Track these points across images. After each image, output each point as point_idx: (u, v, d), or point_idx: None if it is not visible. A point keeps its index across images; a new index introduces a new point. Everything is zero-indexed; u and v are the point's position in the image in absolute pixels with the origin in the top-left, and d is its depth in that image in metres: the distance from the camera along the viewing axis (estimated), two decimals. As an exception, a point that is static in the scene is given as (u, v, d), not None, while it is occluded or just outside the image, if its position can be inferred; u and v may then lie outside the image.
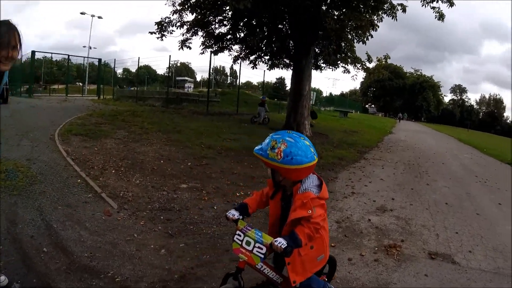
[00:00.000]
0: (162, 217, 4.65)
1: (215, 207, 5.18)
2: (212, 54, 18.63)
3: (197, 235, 4.30)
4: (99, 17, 46.61)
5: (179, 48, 16.46)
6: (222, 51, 18.10)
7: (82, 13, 41.44)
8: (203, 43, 17.25)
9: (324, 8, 14.65)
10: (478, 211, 6.78)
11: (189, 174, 6.75)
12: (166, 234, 4.21)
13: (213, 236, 4.32)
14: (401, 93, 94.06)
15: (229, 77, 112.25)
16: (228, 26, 16.88)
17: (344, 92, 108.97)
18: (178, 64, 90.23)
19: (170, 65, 22.24)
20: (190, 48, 16.56)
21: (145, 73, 76.71)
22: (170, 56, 25.74)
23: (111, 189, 5.42)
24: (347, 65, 18.61)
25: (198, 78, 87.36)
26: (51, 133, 8.83)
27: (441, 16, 13.06)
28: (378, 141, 18.41)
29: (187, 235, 4.26)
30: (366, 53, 17.51)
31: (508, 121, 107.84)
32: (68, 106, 16.96)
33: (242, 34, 17.09)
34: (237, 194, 5.96)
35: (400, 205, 6.75)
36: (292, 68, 17.17)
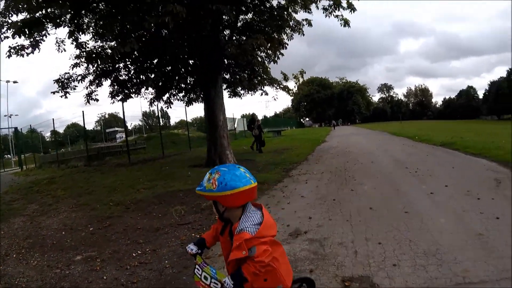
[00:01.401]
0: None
1: (105, 277, 4.60)
2: (121, 102, 17.58)
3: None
4: (14, 82, 45.38)
5: (85, 103, 15.64)
6: (130, 97, 17.12)
7: None
8: (110, 93, 16.30)
9: (226, 35, 14.67)
10: (407, 208, 6.13)
11: (88, 242, 6.17)
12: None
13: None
14: (331, 102, 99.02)
15: (161, 119, 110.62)
16: (130, 71, 16.26)
17: (278, 112, 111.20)
18: (107, 116, 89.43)
19: (99, 118, 21.14)
20: (97, 100, 15.81)
21: (74, 131, 74.22)
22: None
23: (8, 278, 4.92)
24: (264, 87, 18.61)
25: (130, 126, 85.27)
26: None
27: (346, 23, 13.36)
28: (309, 154, 17.93)
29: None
30: (281, 72, 17.58)
31: (437, 105, 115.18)
32: None
33: (143, 77, 16.34)
34: (133, 254, 5.31)
35: (317, 223, 5.96)
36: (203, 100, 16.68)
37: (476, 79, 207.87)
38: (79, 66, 14.20)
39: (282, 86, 18.09)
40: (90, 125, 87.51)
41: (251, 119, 22.26)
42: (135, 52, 13.56)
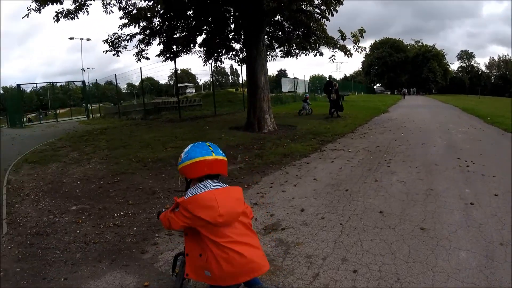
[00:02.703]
0: (28, 242, 4.57)
1: (78, 231, 4.86)
2: (170, 60, 17.57)
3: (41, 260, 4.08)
4: (88, 39, 48.53)
5: (137, 61, 16.09)
6: (179, 55, 17.49)
7: (70, 38, 45.10)
8: (160, 51, 16.51)
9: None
10: (427, 222, 4.81)
11: (91, 194, 6.53)
12: (17, 258, 4.11)
13: (49, 262, 4.03)
14: (404, 67, 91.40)
15: (230, 77, 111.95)
16: (179, 29, 16.29)
17: (348, 75, 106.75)
18: (179, 72, 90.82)
19: (171, 73, 21.99)
20: (148, 59, 16.24)
21: (148, 84, 76.86)
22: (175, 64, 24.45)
23: (16, 215, 5.57)
24: (319, 47, 17.30)
25: (200, 82, 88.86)
26: (8, 164, 9.19)
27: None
28: (360, 125, 16.54)
29: (34, 260, 4.07)
30: (338, 30, 15.58)
31: None
32: (48, 132, 17.60)
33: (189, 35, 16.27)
34: (116, 214, 5.46)
35: (304, 220, 5.03)
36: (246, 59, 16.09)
37: None
38: (127, 27, 14.09)
39: (339, 45, 16.35)
40: (163, 80, 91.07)
41: (328, 81, 21.29)
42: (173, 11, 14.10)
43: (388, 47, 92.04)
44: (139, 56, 15.88)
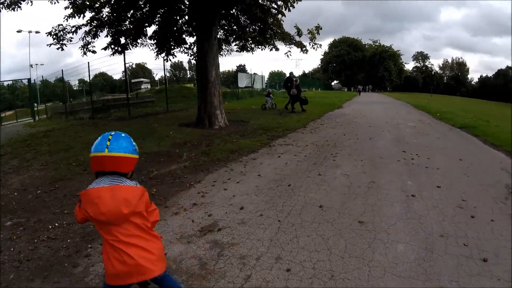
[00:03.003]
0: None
1: (12, 249, 4.28)
2: (118, 54, 16.53)
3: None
4: (37, 32, 45.39)
5: (82, 55, 15.13)
6: (127, 48, 16.49)
7: (18, 31, 42.42)
8: (108, 44, 15.57)
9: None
10: (366, 215, 4.74)
11: (27, 206, 5.83)
12: None
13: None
14: (361, 66, 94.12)
15: (188, 72, 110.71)
16: (128, 20, 15.52)
17: (307, 72, 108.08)
18: (134, 66, 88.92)
19: (126, 68, 20.20)
20: (94, 52, 15.22)
21: (101, 80, 74.65)
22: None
23: None
24: (275, 42, 17.17)
25: (156, 77, 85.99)
26: None
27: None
28: (312, 120, 16.50)
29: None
30: (295, 26, 15.54)
31: (472, 82, 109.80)
32: None
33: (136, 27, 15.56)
34: (50, 226, 4.88)
35: (242, 218, 4.81)
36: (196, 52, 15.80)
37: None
38: (73, 18, 13.15)
39: (295, 41, 16.28)
40: (117, 75, 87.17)
41: (287, 78, 21.75)
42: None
43: (346, 46, 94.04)
44: (85, 49, 14.99)
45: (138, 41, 16.34)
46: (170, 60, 18.73)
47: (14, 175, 7.94)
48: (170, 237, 4.32)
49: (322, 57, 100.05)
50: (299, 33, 15.50)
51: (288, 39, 16.16)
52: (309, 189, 5.89)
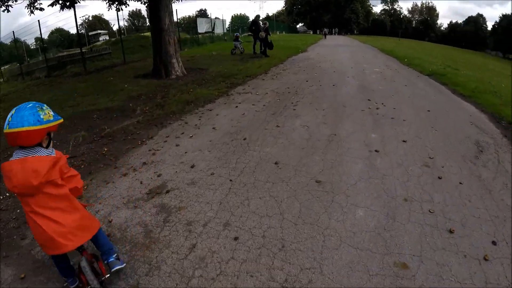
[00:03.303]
0: None
1: None
2: (67, 8, 15.07)
3: None
4: None
5: (29, 13, 13.82)
6: (75, 2, 15.11)
7: None
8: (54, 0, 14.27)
9: None
10: (325, 174, 4.44)
11: None
12: None
13: None
14: (327, 7, 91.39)
15: (147, 20, 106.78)
16: None
17: (271, 15, 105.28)
18: (90, 18, 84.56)
19: (82, 21, 18.73)
20: (42, 9, 13.97)
21: (58, 36, 70.62)
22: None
23: None
24: None
25: (115, 28, 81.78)
26: None
27: None
28: (275, 65, 15.87)
29: None
30: None
31: (442, 28, 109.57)
32: None
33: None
34: (1, 197, 4.45)
35: (193, 178, 4.49)
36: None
37: (488, 9, 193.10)
38: None
39: None
40: (74, 30, 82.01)
41: (253, 21, 20.71)
42: None
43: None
44: (31, 8, 13.72)
45: None
46: (121, 9, 17.44)
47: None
48: (117, 202, 3.97)
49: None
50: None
51: None
52: (265, 142, 5.56)
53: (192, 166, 4.79)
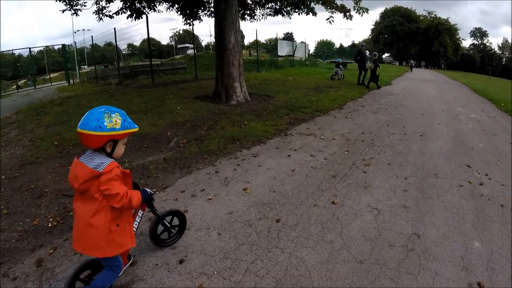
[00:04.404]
0: None
1: None
2: (134, 19, 14.49)
3: None
4: None
5: (98, 20, 13.58)
6: (142, 13, 14.38)
7: None
8: (120, 9, 13.81)
9: None
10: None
11: None
12: None
13: None
14: (415, 38, 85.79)
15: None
16: None
17: (357, 42, 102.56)
18: (181, 32, 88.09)
19: (173, 34, 18.74)
20: (111, 17, 13.62)
21: (147, 45, 74.78)
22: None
23: None
24: (311, 4, 14.44)
25: (204, 43, 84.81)
26: None
27: None
28: (353, 98, 13.82)
29: None
30: None
31: None
32: (16, 103, 14.62)
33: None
34: None
35: None
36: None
37: None
38: None
39: (335, 5, 13.58)
40: (165, 41, 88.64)
41: (359, 50, 19.47)
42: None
43: (399, 16, 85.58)
44: (100, 15, 13.27)
45: (156, 5, 14.36)
46: (192, 24, 16.52)
47: (2, 151, 6.79)
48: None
49: (373, 27, 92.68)
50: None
51: (328, 2, 13.44)
52: (304, 236, 3.47)
53: (181, 262, 3.01)
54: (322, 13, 14.78)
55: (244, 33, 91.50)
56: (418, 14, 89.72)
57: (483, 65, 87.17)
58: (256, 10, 16.10)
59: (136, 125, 2.41)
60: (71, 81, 26.54)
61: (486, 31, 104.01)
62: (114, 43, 20.97)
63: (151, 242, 3.10)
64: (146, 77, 20.63)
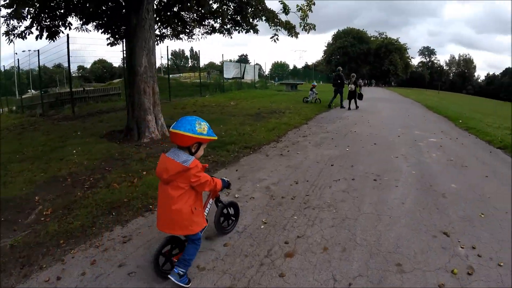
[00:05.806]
0: None
1: None
2: (40, 38, 11.30)
3: None
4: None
5: (8, 42, 10.82)
6: (57, 32, 11.26)
7: None
8: (26, 28, 10.89)
9: None
10: None
11: None
12: None
13: None
14: (366, 58, 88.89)
15: (189, 60, 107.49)
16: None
17: (310, 64, 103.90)
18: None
19: (69, 54, 15.08)
20: (24, 38, 10.85)
21: (99, 67, 70.54)
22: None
23: None
24: (253, 21, 12.78)
25: (158, 64, 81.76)
26: None
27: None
28: (296, 126, 11.97)
29: None
30: (280, 2, 11.23)
31: (479, 80, 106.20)
32: None
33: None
34: None
35: None
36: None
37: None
38: None
39: (278, 21, 11.88)
40: (117, 63, 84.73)
41: (337, 74, 19.03)
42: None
43: (351, 37, 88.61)
44: (9, 36, 10.64)
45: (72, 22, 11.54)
46: (119, 43, 13.78)
47: None
48: None
49: (326, 48, 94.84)
50: (286, 11, 11.17)
51: (272, 18, 11.71)
52: None
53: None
54: (266, 30, 13.04)
55: (200, 54, 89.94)
56: (369, 35, 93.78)
57: (432, 80, 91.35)
58: (195, 29, 14.14)
59: (215, 135, 2.91)
60: (0, 110, 23.19)
61: (434, 49, 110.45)
62: (67, 64, 17.50)
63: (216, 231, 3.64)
64: (75, 106, 17.76)
